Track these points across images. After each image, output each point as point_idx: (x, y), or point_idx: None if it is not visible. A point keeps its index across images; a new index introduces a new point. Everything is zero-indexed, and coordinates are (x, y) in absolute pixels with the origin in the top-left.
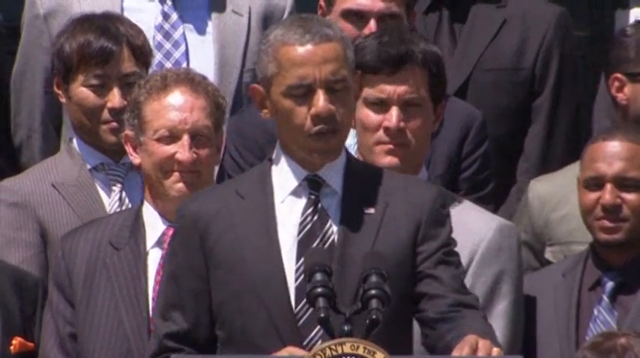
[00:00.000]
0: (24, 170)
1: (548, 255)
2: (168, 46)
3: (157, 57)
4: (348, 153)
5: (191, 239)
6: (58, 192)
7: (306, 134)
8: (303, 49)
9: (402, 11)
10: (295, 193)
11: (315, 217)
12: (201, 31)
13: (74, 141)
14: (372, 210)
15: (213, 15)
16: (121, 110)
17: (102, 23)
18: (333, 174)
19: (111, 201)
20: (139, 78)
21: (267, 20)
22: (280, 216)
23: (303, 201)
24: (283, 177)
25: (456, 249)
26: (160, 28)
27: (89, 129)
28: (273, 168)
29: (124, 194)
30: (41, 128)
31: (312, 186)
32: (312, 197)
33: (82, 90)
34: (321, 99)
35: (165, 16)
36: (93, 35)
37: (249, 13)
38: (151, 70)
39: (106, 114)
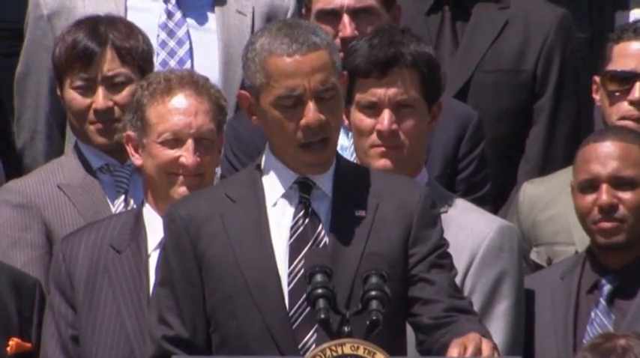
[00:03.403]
0: (27, 172)
1: (533, 256)
2: (172, 44)
3: (161, 55)
4: (337, 155)
5: (183, 244)
6: (64, 193)
7: (296, 145)
8: (291, 60)
9: (379, 5)
10: (286, 196)
11: (307, 221)
12: (205, 29)
13: (79, 142)
14: (362, 213)
15: (217, 14)
16: (105, 111)
17: (91, 25)
18: (324, 177)
19: (116, 202)
20: (129, 79)
21: (271, 20)
22: (272, 219)
23: (294, 205)
24: (274, 180)
25: (457, 250)
26: (164, 27)
27: (78, 130)
28: (264, 170)
29: (129, 195)
30: (45, 129)
31: (302, 189)
32: (303, 200)
33: (69, 92)
34: (311, 111)
35: (170, 15)
36: (78, 37)
37: (253, 13)
38: (155, 68)
39: (91, 116)
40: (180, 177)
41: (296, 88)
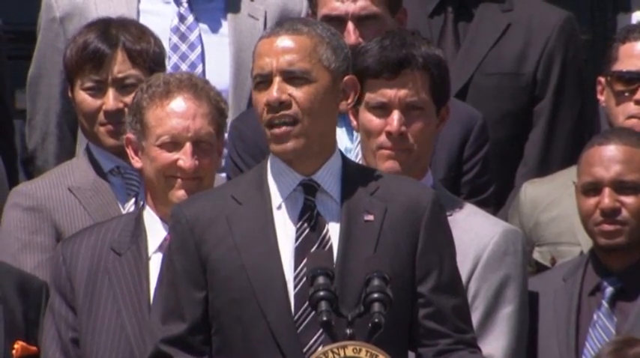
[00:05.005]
0: (38, 174)
1: (536, 255)
2: (184, 47)
3: (173, 59)
4: (343, 157)
5: (187, 245)
6: (75, 196)
7: (263, 124)
8: (267, 41)
9: (383, 11)
10: (291, 198)
11: (312, 224)
12: (217, 33)
13: (90, 145)
14: (371, 217)
15: (230, 18)
16: (116, 113)
17: (102, 27)
18: (329, 178)
19: (127, 205)
20: (140, 81)
21: None
22: (278, 222)
23: (299, 207)
24: (279, 181)
25: (462, 253)
26: (176, 30)
27: (89, 132)
28: (269, 171)
29: (139, 198)
30: (57, 131)
31: (307, 190)
32: (308, 203)
33: (80, 94)
34: (274, 88)
35: (182, 18)
36: (89, 39)
37: (265, 17)
38: (167, 72)
39: (101, 117)
40: (179, 181)
41: (265, 66)
